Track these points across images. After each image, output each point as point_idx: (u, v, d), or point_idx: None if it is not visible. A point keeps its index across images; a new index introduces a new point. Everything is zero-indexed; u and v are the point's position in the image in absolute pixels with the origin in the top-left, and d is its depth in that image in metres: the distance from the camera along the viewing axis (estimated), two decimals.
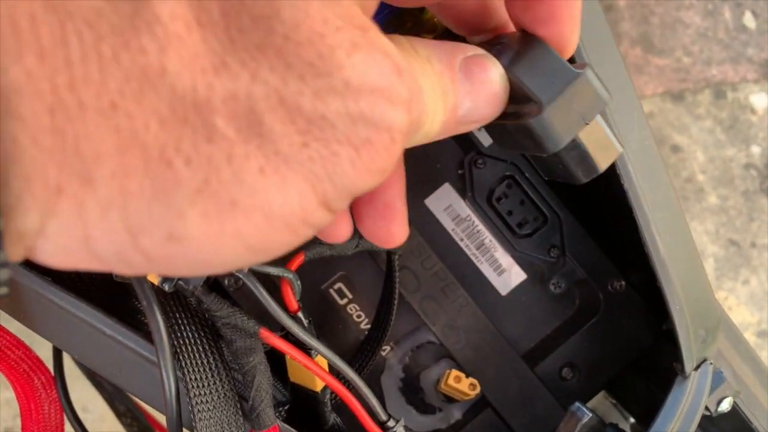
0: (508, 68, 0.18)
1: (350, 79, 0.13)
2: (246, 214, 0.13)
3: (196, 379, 0.23)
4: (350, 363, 0.33)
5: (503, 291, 0.36)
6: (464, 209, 0.36)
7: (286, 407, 0.29)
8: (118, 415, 0.49)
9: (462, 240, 0.36)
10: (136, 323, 0.24)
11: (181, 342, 0.23)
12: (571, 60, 0.18)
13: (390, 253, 0.33)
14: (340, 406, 0.31)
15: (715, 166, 1.24)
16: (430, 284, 0.35)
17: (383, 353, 0.35)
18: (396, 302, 0.33)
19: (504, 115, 0.18)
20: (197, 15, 0.12)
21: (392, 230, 0.21)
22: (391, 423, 0.27)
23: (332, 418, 0.29)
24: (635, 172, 0.26)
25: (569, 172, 0.19)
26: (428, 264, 0.35)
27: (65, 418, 0.36)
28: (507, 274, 0.36)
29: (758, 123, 1.26)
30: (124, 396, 0.50)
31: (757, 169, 1.23)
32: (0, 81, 0.11)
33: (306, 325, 0.25)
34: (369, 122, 0.14)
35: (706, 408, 0.32)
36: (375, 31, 0.14)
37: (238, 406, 0.24)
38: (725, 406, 0.32)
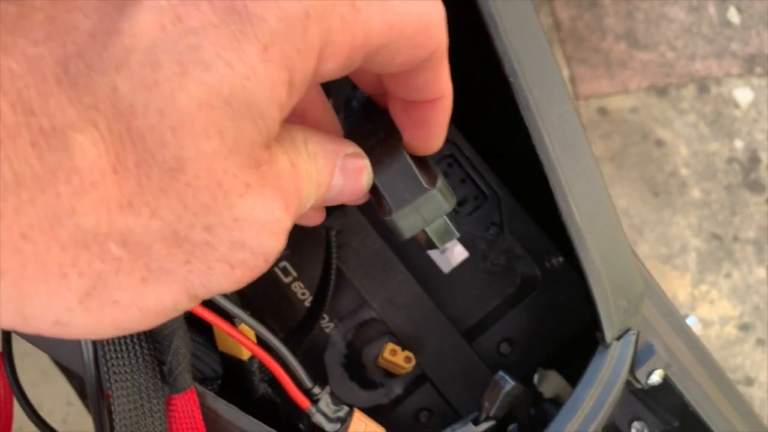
0: (373, 171, 0.22)
1: (240, 216, 0.16)
2: (124, 310, 0.16)
3: (113, 341, 0.23)
4: (290, 338, 0.34)
5: (446, 269, 0.36)
6: None
7: (218, 382, 0.30)
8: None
9: None
10: None
11: None
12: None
13: (327, 229, 0.33)
14: (273, 381, 0.32)
15: (699, 160, 1.24)
16: (370, 261, 0.35)
17: (327, 330, 0.36)
18: (333, 277, 0.34)
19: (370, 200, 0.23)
20: (114, 165, 0.15)
21: None
22: (316, 390, 0.28)
23: (262, 388, 0.30)
24: (552, 145, 0.27)
25: (419, 244, 0.25)
26: (369, 242, 0.35)
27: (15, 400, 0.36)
28: (449, 253, 0.36)
29: (742, 117, 1.26)
30: None
31: (740, 164, 1.24)
32: None
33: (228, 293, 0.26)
34: (248, 249, 0.16)
35: (637, 380, 0.33)
36: (269, 166, 0.17)
37: (157, 370, 0.24)
38: (656, 378, 0.32)
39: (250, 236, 0.16)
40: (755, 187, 1.22)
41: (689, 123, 1.26)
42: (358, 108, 0.25)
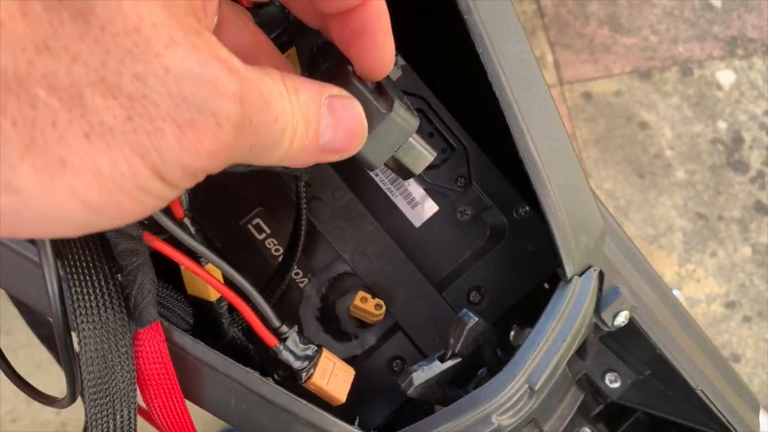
0: None
1: (170, 66, 0.15)
2: (76, 172, 0.15)
3: (78, 278, 0.24)
4: (263, 289, 0.34)
5: (417, 223, 0.37)
6: None
7: (189, 333, 0.30)
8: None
9: (377, 174, 0.37)
10: None
11: (64, 243, 0.24)
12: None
13: (296, 179, 0.34)
14: (245, 329, 0.32)
15: (683, 141, 1.25)
16: (340, 213, 0.36)
17: (301, 285, 0.36)
18: (304, 224, 0.34)
19: None
20: (22, 9, 0.14)
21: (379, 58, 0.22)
22: (284, 329, 0.28)
23: (231, 331, 0.30)
24: (508, 83, 0.27)
25: (398, 174, 0.25)
26: (339, 194, 0.36)
27: None
28: (420, 207, 0.37)
29: (724, 99, 1.27)
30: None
31: (724, 144, 1.25)
32: None
33: (193, 232, 0.26)
34: (192, 106, 0.16)
35: (604, 322, 0.33)
36: (206, 38, 0.16)
37: (123, 305, 0.25)
38: (621, 319, 0.33)
39: (189, 91, 0.16)
40: (739, 166, 1.23)
41: (673, 105, 1.27)
42: (316, 52, 0.25)
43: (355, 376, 0.30)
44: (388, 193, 0.37)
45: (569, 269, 0.28)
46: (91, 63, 0.15)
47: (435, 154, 0.24)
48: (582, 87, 1.29)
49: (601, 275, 0.31)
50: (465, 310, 0.29)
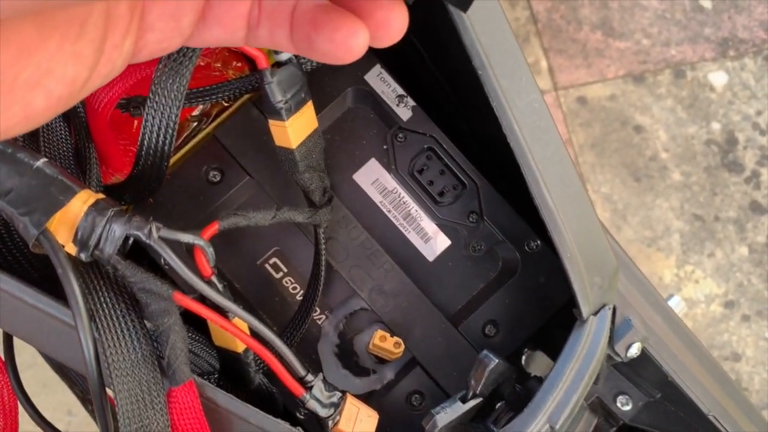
0: None
1: None
2: None
3: (112, 339, 0.25)
4: (284, 332, 0.35)
5: (430, 257, 0.38)
6: (390, 182, 0.38)
7: (215, 376, 0.31)
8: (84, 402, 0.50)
9: (390, 211, 0.38)
10: (58, 292, 0.26)
11: (98, 306, 0.25)
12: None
13: (315, 226, 0.35)
14: (269, 372, 0.33)
15: (678, 143, 1.27)
16: (356, 253, 0.37)
17: (319, 322, 0.37)
18: (323, 270, 0.35)
19: None
20: None
21: (349, 41, 0.20)
22: (309, 378, 0.29)
23: (258, 378, 0.31)
24: (522, 133, 0.28)
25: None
26: (354, 234, 0.37)
27: (19, 404, 0.37)
28: (433, 242, 0.38)
29: (717, 100, 1.29)
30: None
31: (718, 145, 1.26)
32: None
33: (221, 289, 0.27)
34: None
35: (617, 354, 0.34)
36: None
37: (156, 364, 0.25)
38: (634, 351, 0.34)
39: None
40: (734, 167, 1.24)
41: (667, 108, 1.28)
42: None
43: (376, 410, 0.31)
44: (402, 229, 0.38)
45: (585, 310, 0.29)
46: None
47: None
48: (576, 92, 1.30)
49: (613, 310, 0.32)
50: (485, 351, 0.30)
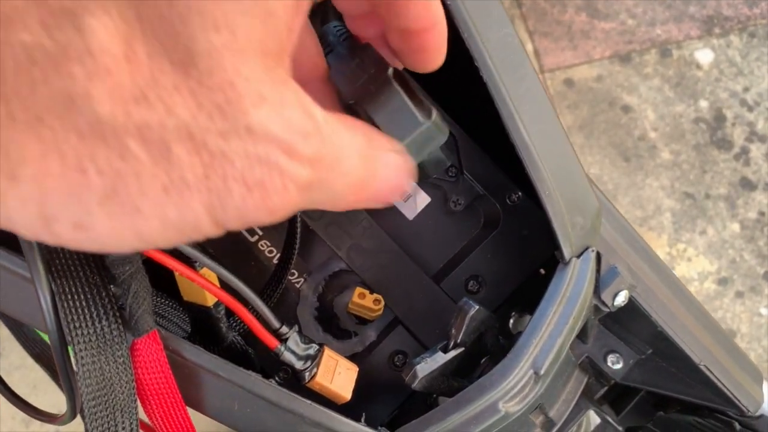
0: (368, 113, 0.22)
1: (252, 125, 0.16)
2: (146, 219, 0.16)
3: (70, 290, 0.23)
4: (261, 293, 0.34)
5: (410, 215, 0.37)
6: None
7: (186, 339, 0.30)
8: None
9: None
10: (11, 244, 0.24)
11: (54, 256, 0.24)
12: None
13: None
14: (244, 332, 0.32)
15: (666, 122, 1.26)
16: (333, 211, 0.35)
17: (297, 285, 0.36)
18: (299, 228, 0.34)
19: None
20: (126, 53, 0.14)
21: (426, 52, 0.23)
22: (284, 330, 0.28)
23: (231, 336, 0.30)
24: (495, 68, 0.27)
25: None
26: None
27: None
28: (412, 199, 0.37)
29: (704, 78, 1.28)
30: None
31: (707, 123, 1.26)
32: None
33: None
34: (264, 167, 0.16)
35: (604, 303, 0.33)
36: (292, 91, 0.17)
37: (118, 315, 0.24)
38: (621, 299, 0.33)
39: (263, 151, 0.16)
40: (723, 144, 1.24)
41: (654, 87, 1.27)
42: (339, 43, 0.25)
43: (359, 372, 0.30)
44: None
45: (567, 251, 0.28)
46: (182, 116, 0.15)
47: (449, 162, 0.24)
48: (563, 74, 1.29)
49: (598, 256, 0.31)
50: (465, 299, 0.29)
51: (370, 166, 0.20)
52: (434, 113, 0.22)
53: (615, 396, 0.43)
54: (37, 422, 1.12)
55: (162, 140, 0.15)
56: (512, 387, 0.26)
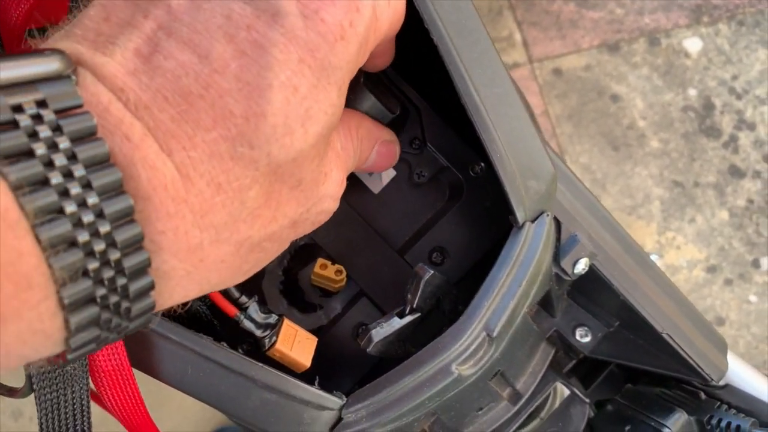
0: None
1: (322, 195, 0.24)
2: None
3: None
4: None
5: (376, 190, 0.37)
6: None
7: None
8: None
9: None
10: None
11: None
12: None
13: None
14: (209, 305, 0.32)
15: (655, 111, 1.26)
16: None
17: None
18: None
19: None
20: (267, 193, 0.22)
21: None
22: (243, 299, 0.28)
23: (195, 304, 0.30)
24: (446, 30, 0.27)
25: None
26: None
27: None
28: (377, 174, 0.37)
29: (693, 66, 1.28)
30: None
31: (695, 111, 1.26)
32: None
33: None
34: (323, 213, 0.25)
35: (564, 271, 0.33)
36: (334, 153, 0.24)
37: None
38: (581, 266, 0.33)
39: (326, 205, 0.24)
40: (711, 132, 1.24)
41: (643, 76, 1.27)
42: None
43: (323, 345, 0.30)
44: None
45: (520, 215, 0.28)
46: (292, 215, 0.22)
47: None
48: (552, 63, 1.29)
49: (558, 223, 0.31)
50: (421, 264, 0.29)
51: (362, 155, 0.28)
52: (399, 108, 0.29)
53: (585, 370, 0.43)
54: (27, 416, 1.12)
55: (280, 237, 0.23)
56: (465, 349, 0.26)
